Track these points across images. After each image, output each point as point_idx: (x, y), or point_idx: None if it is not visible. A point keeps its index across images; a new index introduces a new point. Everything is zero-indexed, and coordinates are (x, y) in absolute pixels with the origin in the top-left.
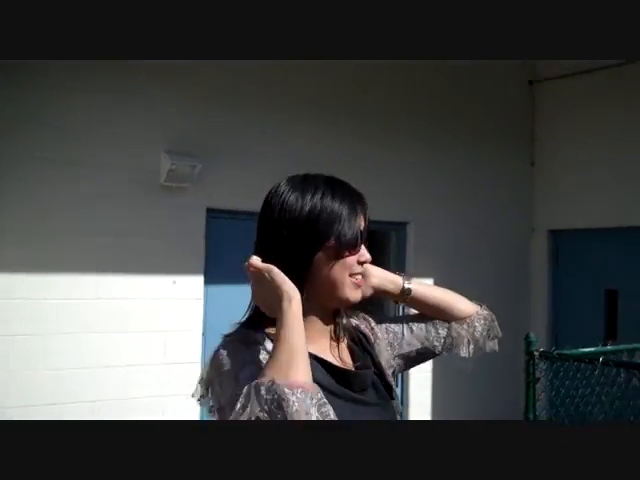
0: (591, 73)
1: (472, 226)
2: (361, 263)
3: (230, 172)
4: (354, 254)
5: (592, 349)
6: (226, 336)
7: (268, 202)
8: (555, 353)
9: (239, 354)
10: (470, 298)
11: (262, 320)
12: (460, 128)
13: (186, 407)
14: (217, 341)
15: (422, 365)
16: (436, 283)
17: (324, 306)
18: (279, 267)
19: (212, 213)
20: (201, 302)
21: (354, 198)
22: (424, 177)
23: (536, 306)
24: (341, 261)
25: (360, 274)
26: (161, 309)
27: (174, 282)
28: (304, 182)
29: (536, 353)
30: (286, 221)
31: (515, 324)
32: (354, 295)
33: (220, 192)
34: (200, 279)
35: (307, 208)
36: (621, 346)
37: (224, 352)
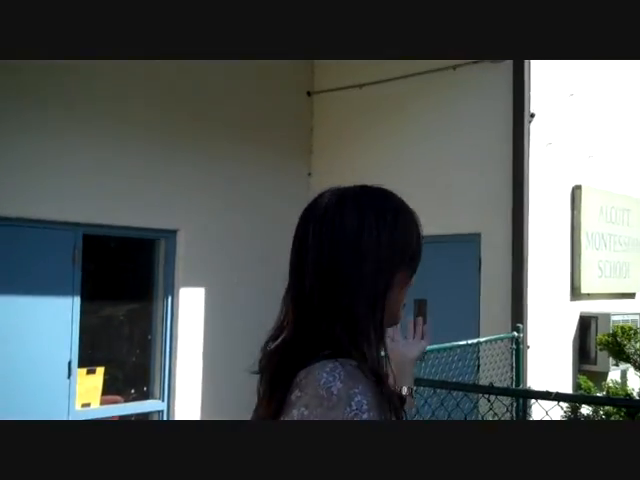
0: (365, 87)
1: (249, 236)
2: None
3: None
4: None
5: None
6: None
7: (327, 220)
8: None
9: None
10: (246, 311)
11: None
12: (239, 136)
13: None
14: None
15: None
16: (207, 294)
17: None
18: (337, 293)
19: None
20: None
21: (416, 217)
22: (199, 184)
23: None
24: (407, 284)
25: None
26: None
27: None
28: (366, 197)
29: None
30: (364, 242)
31: None
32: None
33: None
34: None
35: (387, 230)
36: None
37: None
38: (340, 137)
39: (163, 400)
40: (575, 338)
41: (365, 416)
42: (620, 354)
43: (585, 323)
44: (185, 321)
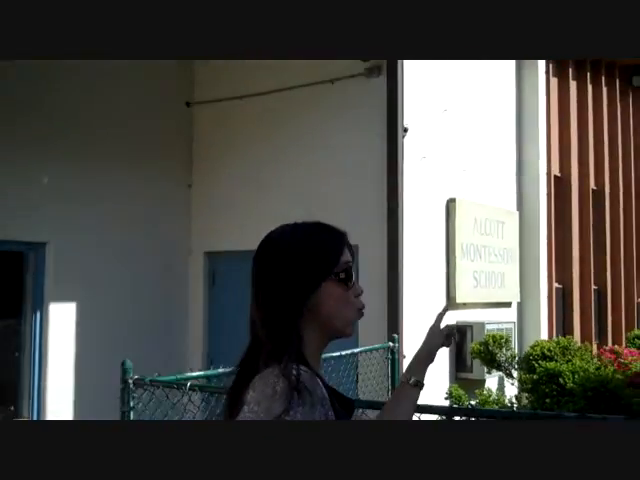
0: (245, 98)
1: (126, 249)
2: (357, 296)
3: None
4: (350, 288)
5: (188, 374)
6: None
7: (270, 245)
8: (148, 380)
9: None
10: (121, 323)
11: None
12: (115, 147)
13: None
14: None
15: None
16: (79, 309)
17: (325, 339)
18: (284, 305)
19: None
20: None
21: (341, 235)
22: (71, 196)
23: (193, 329)
24: (339, 294)
25: (362, 308)
26: None
27: None
28: (299, 226)
29: (130, 381)
30: (290, 257)
31: (172, 347)
32: (350, 330)
33: None
34: None
35: (307, 244)
36: (218, 370)
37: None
38: (220, 148)
39: (33, 419)
40: (451, 347)
41: (299, 409)
42: (492, 362)
43: (461, 332)
44: (55, 337)
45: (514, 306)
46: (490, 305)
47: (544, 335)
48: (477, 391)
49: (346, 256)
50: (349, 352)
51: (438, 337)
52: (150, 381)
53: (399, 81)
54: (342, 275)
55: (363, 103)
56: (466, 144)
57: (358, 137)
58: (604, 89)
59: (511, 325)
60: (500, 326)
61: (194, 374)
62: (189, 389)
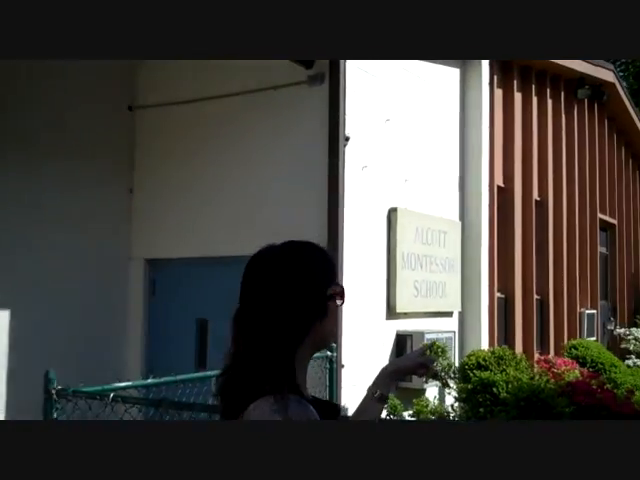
0: (188, 104)
1: (62, 254)
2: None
3: None
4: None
5: (115, 385)
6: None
7: (267, 267)
8: (71, 391)
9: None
10: (56, 332)
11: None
12: (56, 150)
13: None
14: None
15: None
16: (12, 318)
17: (312, 354)
18: (287, 334)
19: None
20: None
21: (326, 252)
22: (6, 198)
23: (132, 338)
24: (336, 312)
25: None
26: None
27: None
28: (292, 246)
29: (53, 391)
30: (295, 281)
31: (109, 358)
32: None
33: None
34: None
35: (311, 266)
36: (147, 381)
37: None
38: (162, 153)
39: None
40: (392, 356)
41: None
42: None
43: (401, 341)
44: None
45: (455, 316)
46: (431, 314)
47: (485, 344)
48: (415, 400)
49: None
50: None
51: (410, 360)
52: (73, 392)
53: (341, 90)
54: (340, 292)
55: (305, 111)
56: (408, 154)
57: (300, 145)
58: (549, 101)
59: (451, 334)
60: (440, 335)
61: (122, 384)
62: (112, 400)
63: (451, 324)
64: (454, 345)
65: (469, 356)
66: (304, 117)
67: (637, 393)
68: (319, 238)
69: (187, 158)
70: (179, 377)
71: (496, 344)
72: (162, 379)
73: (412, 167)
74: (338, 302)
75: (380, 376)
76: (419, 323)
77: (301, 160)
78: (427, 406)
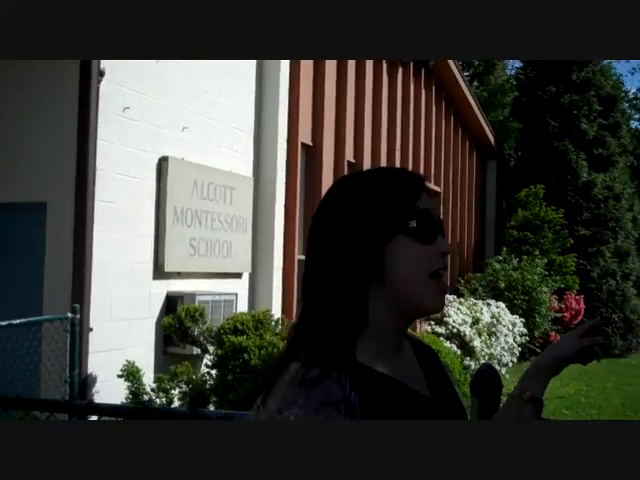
0: None
1: None
2: (443, 255)
3: None
4: (429, 244)
5: None
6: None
7: (326, 198)
8: None
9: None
10: None
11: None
12: None
13: None
14: None
15: None
16: None
17: (400, 315)
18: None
19: None
20: None
21: (411, 176)
22: None
23: None
24: (414, 253)
25: (444, 269)
26: None
27: None
28: (361, 172)
29: None
30: (348, 208)
31: None
32: (437, 301)
33: None
34: None
35: (372, 188)
36: None
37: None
38: None
39: None
40: (160, 319)
41: (295, 411)
42: (185, 337)
43: (172, 303)
44: None
45: (246, 277)
46: (214, 275)
47: (277, 308)
48: (172, 367)
49: (424, 202)
50: (19, 322)
51: (570, 347)
52: None
53: None
54: (420, 226)
55: None
56: (188, 99)
57: (44, 81)
58: (368, 62)
59: (232, 297)
60: (217, 298)
61: None
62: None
63: (239, 286)
64: (235, 308)
65: (228, 320)
66: None
67: None
68: (71, 187)
69: None
70: None
71: (295, 309)
72: None
73: (193, 114)
74: (413, 237)
75: (530, 373)
76: (197, 284)
77: (55, 102)
78: (189, 373)
